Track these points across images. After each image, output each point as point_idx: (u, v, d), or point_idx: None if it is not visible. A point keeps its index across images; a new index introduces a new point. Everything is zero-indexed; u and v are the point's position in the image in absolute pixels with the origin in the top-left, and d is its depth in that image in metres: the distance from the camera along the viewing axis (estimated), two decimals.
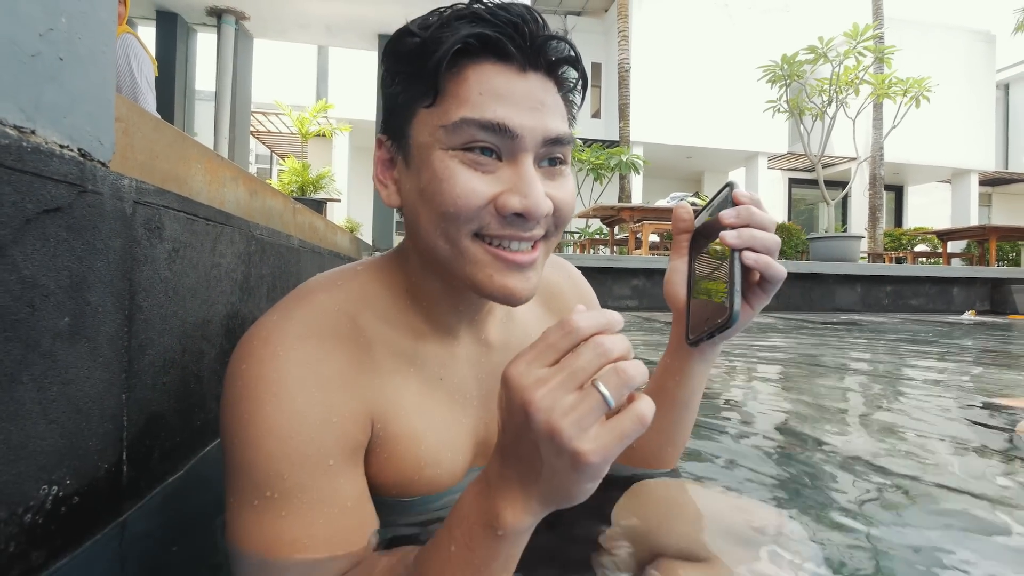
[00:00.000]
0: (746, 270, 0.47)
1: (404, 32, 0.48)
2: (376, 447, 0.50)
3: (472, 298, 0.54)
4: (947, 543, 0.66)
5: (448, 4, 0.48)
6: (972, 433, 1.22)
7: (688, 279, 0.55)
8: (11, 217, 0.39)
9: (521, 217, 0.45)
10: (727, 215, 0.47)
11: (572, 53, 0.48)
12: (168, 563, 0.54)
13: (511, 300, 0.48)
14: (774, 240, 0.48)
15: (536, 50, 0.46)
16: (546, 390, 0.31)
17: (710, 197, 0.49)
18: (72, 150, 0.47)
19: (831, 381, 1.98)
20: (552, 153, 0.48)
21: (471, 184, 0.45)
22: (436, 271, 0.51)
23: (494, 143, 0.45)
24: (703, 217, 0.55)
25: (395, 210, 0.61)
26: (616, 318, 0.33)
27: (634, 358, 0.32)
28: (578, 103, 0.52)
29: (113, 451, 0.52)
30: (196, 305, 0.72)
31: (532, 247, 0.48)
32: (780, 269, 0.49)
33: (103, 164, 0.51)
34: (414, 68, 0.46)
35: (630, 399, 0.32)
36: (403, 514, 0.54)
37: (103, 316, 0.50)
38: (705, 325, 0.49)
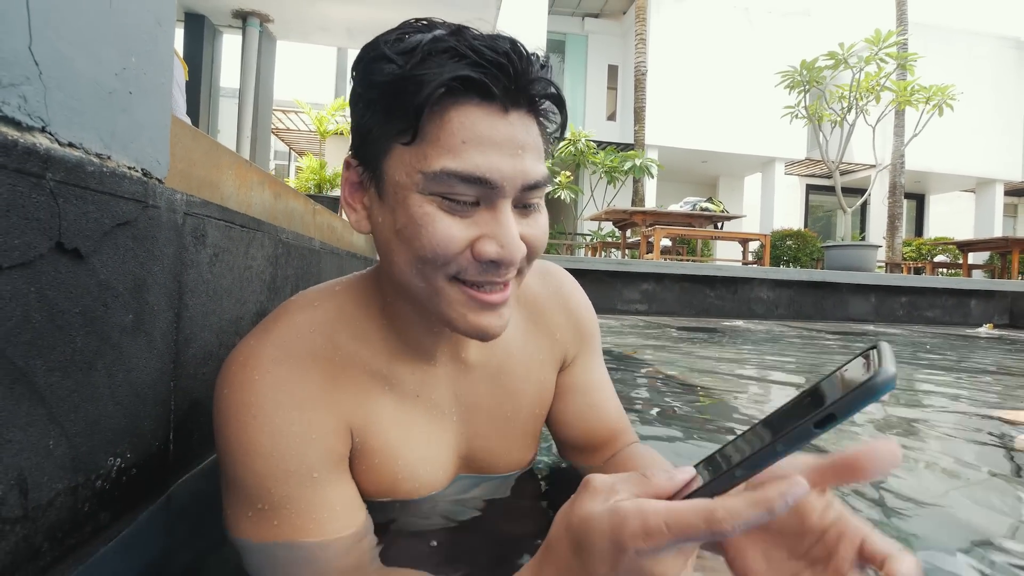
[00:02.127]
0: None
1: (379, 56, 0.45)
2: (355, 459, 0.54)
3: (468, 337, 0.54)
4: (931, 549, 0.70)
5: (424, 19, 0.46)
6: (971, 445, 1.25)
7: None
8: (93, 231, 0.46)
9: (495, 264, 0.46)
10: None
11: (556, 90, 0.47)
12: (205, 533, 0.61)
13: (484, 337, 0.49)
14: None
15: (520, 88, 0.45)
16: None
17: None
18: (137, 171, 0.54)
19: None
20: (529, 199, 0.48)
21: (450, 231, 0.45)
22: (408, 299, 0.52)
23: (474, 193, 0.45)
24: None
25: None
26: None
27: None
28: (558, 135, 0.51)
29: (163, 431, 0.60)
30: (231, 304, 0.79)
31: (504, 286, 0.48)
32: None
33: (160, 181, 0.59)
34: (392, 104, 0.44)
35: None
36: (382, 513, 0.57)
37: (158, 313, 0.58)
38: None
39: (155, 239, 0.57)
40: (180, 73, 2.35)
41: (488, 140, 0.44)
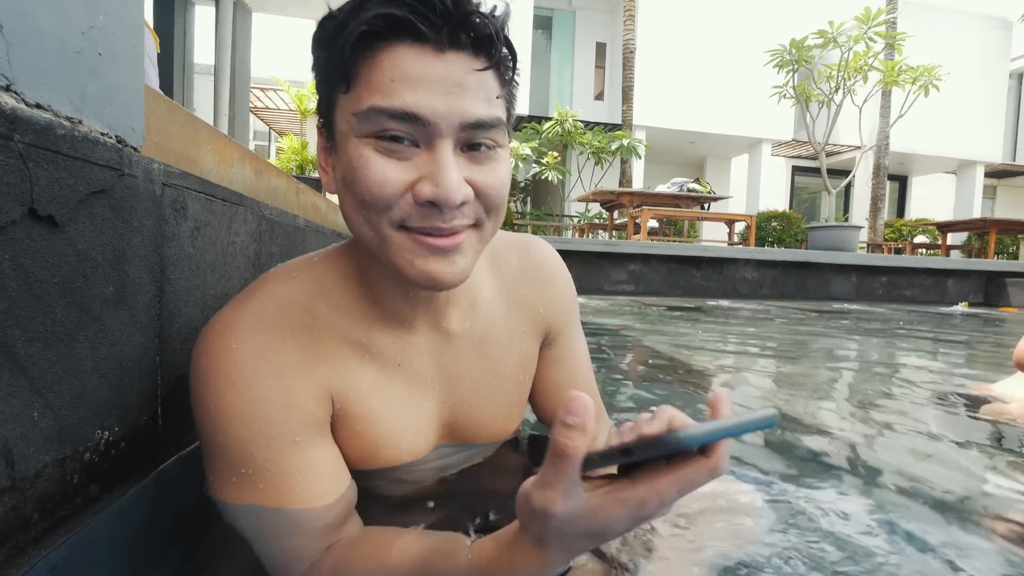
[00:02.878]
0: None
1: (326, 16, 0.46)
2: (337, 426, 0.54)
3: (422, 290, 0.53)
4: (900, 513, 0.73)
5: None
6: (940, 416, 1.30)
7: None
8: (68, 198, 0.45)
9: (435, 206, 0.44)
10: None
11: (491, 30, 0.45)
12: (196, 507, 0.61)
13: (434, 285, 0.47)
14: None
15: (454, 29, 0.43)
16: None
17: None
18: (111, 137, 0.52)
19: (808, 368, 2.05)
20: (475, 138, 0.46)
21: (384, 172, 0.44)
22: (373, 258, 0.51)
23: (406, 131, 0.44)
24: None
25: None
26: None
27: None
28: (516, 81, 0.50)
29: (150, 406, 0.59)
30: (215, 279, 0.78)
31: (453, 234, 0.47)
32: None
33: (135, 149, 0.57)
34: (330, 55, 0.45)
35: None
36: (366, 481, 0.57)
37: (140, 287, 0.56)
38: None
39: (133, 209, 0.55)
40: (151, 45, 2.27)
41: (419, 78, 0.43)
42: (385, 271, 0.53)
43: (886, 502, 0.75)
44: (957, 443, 1.05)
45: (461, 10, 0.43)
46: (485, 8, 0.46)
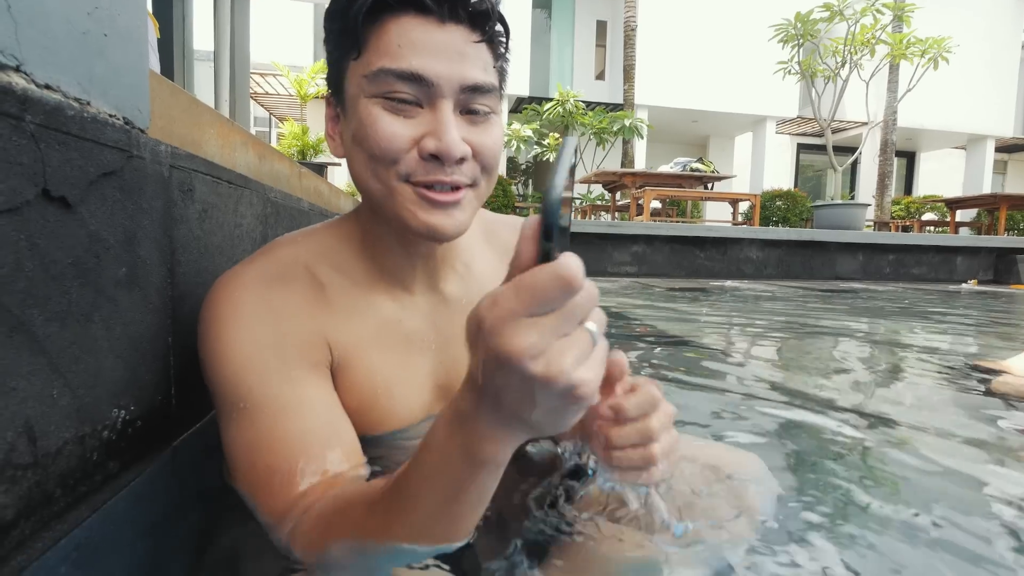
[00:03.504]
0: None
1: None
2: (335, 375, 0.56)
3: (422, 246, 0.57)
4: (903, 488, 0.74)
5: None
6: (951, 391, 1.30)
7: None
8: (79, 179, 0.45)
9: (438, 159, 0.49)
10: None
11: (487, 6, 0.49)
12: (212, 484, 0.62)
13: (435, 236, 0.51)
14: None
15: (453, 3, 0.48)
16: (538, 338, 0.29)
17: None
18: (119, 119, 0.52)
19: (814, 344, 2.06)
20: (472, 101, 0.50)
21: (393, 128, 0.49)
22: (382, 217, 0.54)
23: (412, 91, 0.48)
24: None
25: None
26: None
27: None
28: (508, 56, 0.54)
29: (164, 386, 0.60)
30: (223, 261, 0.78)
31: (455, 190, 0.51)
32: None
33: (143, 131, 0.57)
34: (341, 24, 0.50)
35: None
36: (365, 450, 0.56)
37: (151, 268, 0.57)
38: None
39: (142, 191, 0.55)
40: (151, 30, 2.24)
41: (423, 44, 0.48)
42: (388, 229, 0.57)
43: (896, 476, 0.76)
44: (970, 417, 1.06)
45: None
46: None
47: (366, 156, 0.50)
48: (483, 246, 0.67)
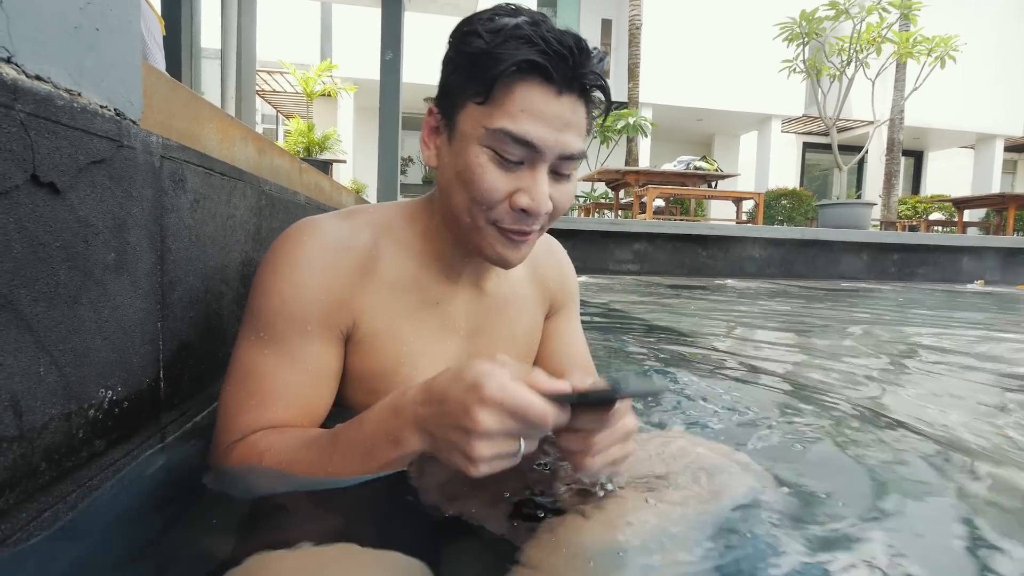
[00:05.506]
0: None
1: (472, 32, 0.55)
2: (362, 337, 0.62)
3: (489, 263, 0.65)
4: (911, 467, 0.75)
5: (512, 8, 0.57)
6: (958, 387, 1.30)
7: None
8: (68, 166, 0.47)
9: (527, 213, 0.57)
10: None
11: (603, 84, 0.57)
12: (197, 466, 0.64)
13: (504, 265, 0.62)
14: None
15: (575, 79, 0.55)
16: (495, 428, 0.41)
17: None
18: (110, 110, 0.54)
19: (812, 341, 2.06)
20: (563, 167, 0.58)
21: (496, 181, 0.56)
22: (452, 228, 0.63)
23: (520, 153, 0.55)
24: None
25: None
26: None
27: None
28: (599, 120, 0.63)
29: (152, 369, 0.62)
30: (215, 251, 0.80)
31: (528, 233, 0.60)
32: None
33: (134, 122, 0.59)
34: (474, 70, 0.55)
35: None
36: None
37: (140, 254, 0.59)
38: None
39: (132, 180, 0.57)
40: (156, 27, 2.27)
41: (541, 113, 0.54)
42: (453, 236, 0.64)
43: (895, 473, 0.76)
44: (975, 416, 1.06)
45: (583, 67, 0.55)
46: (597, 58, 0.56)
47: (468, 196, 0.58)
48: None
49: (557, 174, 0.58)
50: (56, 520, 0.46)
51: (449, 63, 0.59)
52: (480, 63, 0.54)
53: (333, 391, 0.62)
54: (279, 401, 0.57)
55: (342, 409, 0.63)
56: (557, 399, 0.42)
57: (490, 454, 0.41)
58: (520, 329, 0.75)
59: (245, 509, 0.52)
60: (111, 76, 0.55)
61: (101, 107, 0.53)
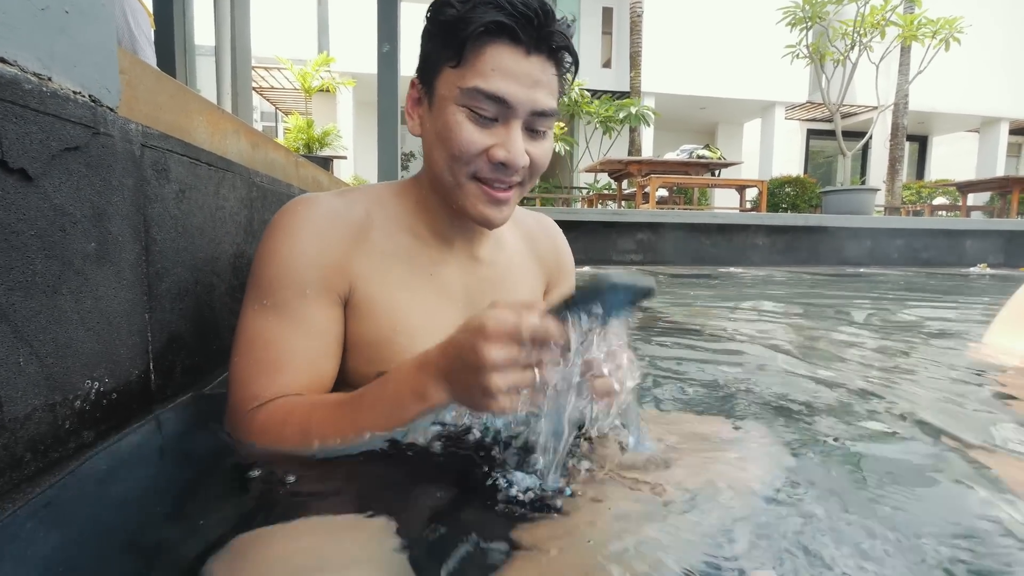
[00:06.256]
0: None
1: (446, 2, 0.59)
2: (359, 304, 0.64)
3: (468, 221, 0.67)
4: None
5: None
6: (954, 371, 1.29)
7: None
8: (40, 152, 0.46)
9: (504, 165, 0.60)
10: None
11: (566, 43, 0.60)
12: (192, 455, 0.64)
13: (488, 224, 0.64)
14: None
15: (541, 38, 0.58)
16: (503, 359, 0.44)
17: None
18: (84, 96, 0.53)
19: (818, 326, 2.04)
20: (536, 123, 0.61)
21: (473, 136, 0.59)
22: (439, 192, 0.66)
23: (493, 109, 0.58)
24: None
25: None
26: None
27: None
28: (570, 80, 0.66)
29: (141, 360, 0.61)
30: (204, 243, 0.79)
31: (508, 189, 0.63)
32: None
33: (111, 110, 0.58)
34: (447, 37, 0.59)
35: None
36: None
37: (123, 244, 0.58)
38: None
39: (111, 168, 0.56)
40: (146, 23, 2.26)
41: (510, 72, 0.58)
42: (443, 203, 0.66)
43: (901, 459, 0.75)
44: (980, 401, 1.05)
45: (549, 26, 0.58)
46: (562, 23, 0.60)
47: (447, 154, 0.60)
48: (512, 228, 0.79)
49: (532, 131, 0.61)
50: (43, 505, 0.46)
51: (426, 34, 0.62)
52: (452, 29, 0.58)
53: (338, 357, 0.64)
54: (288, 366, 0.59)
55: (343, 379, 0.65)
56: (552, 312, 0.45)
57: (506, 385, 0.44)
58: (520, 298, 0.76)
59: (236, 493, 0.51)
60: (84, 61, 0.53)
61: (74, 92, 0.52)
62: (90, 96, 0.54)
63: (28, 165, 0.44)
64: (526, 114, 0.59)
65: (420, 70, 0.64)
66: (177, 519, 0.54)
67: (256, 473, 0.54)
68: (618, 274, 0.45)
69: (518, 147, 0.59)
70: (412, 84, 0.66)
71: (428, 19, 0.62)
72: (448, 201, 0.65)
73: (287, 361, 0.59)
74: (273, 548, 0.40)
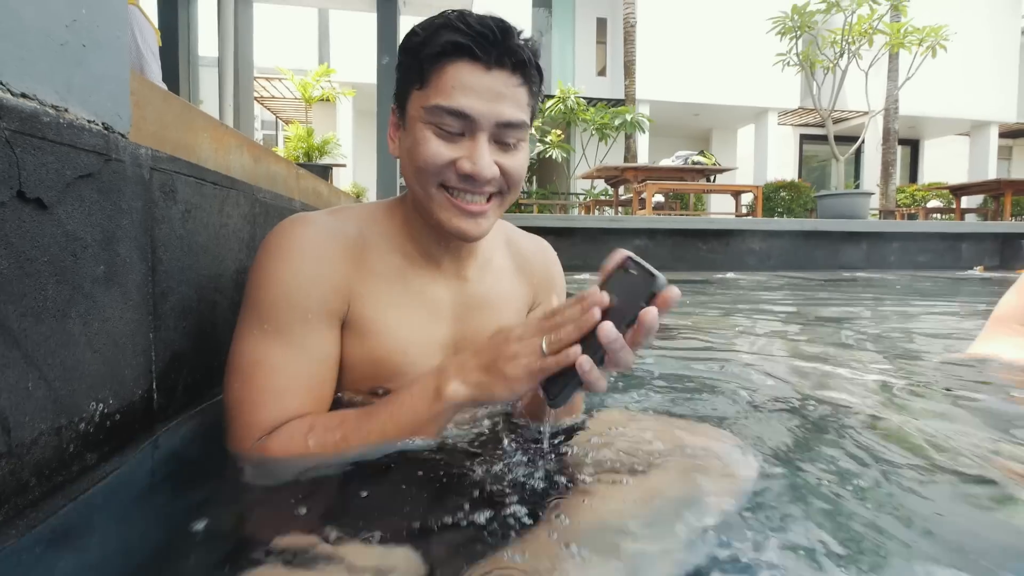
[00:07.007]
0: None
1: (412, 32, 0.63)
2: (354, 323, 0.65)
3: (452, 239, 0.67)
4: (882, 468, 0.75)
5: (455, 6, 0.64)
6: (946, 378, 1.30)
7: None
8: (55, 181, 0.47)
9: (471, 178, 0.61)
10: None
11: (526, 56, 0.62)
12: (194, 476, 0.64)
13: (464, 238, 0.65)
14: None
15: (500, 54, 0.60)
16: (521, 349, 0.52)
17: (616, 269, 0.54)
18: (98, 124, 0.55)
19: (812, 330, 2.06)
20: (504, 135, 0.62)
21: (438, 149, 0.61)
22: (420, 210, 0.67)
23: (457, 124, 0.60)
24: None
25: (399, 175, 0.76)
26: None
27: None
28: (540, 94, 0.67)
29: (145, 380, 0.63)
30: (208, 260, 0.81)
31: (487, 200, 0.64)
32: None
33: (123, 136, 0.59)
34: (412, 60, 0.62)
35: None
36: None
37: (131, 266, 0.59)
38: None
39: (121, 192, 0.58)
40: (152, 38, 2.28)
41: (471, 87, 0.59)
42: (426, 221, 0.68)
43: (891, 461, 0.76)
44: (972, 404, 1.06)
45: (507, 42, 0.60)
46: (523, 37, 0.62)
47: (415, 167, 0.63)
48: (504, 250, 0.80)
49: (502, 143, 0.62)
50: (47, 531, 0.47)
51: (399, 64, 0.66)
52: (416, 53, 0.61)
53: (335, 378, 0.65)
54: (292, 391, 0.60)
55: (336, 398, 0.66)
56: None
57: (549, 345, 0.51)
58: (505, 318, 0.77)
59: (238, 516, 0.52)
60: (99, 91, 0.55)
61: (88, 122, 0.53)
62: (103, 124, 0.55)
63: (44, 194, 0.46)
64: (491, 127, 0.61)
65: (395, 95, 0.67)
66: (180, 542, 0.54)
67: (255, 495, 0.55)
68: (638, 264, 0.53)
69: (484, 159, 0.60)
70: (392, 110, 0.69)
71: (399, 49, 0.65)
72: (426, 217, 0.66)
73: (291, 387, 0.60)
74: None
